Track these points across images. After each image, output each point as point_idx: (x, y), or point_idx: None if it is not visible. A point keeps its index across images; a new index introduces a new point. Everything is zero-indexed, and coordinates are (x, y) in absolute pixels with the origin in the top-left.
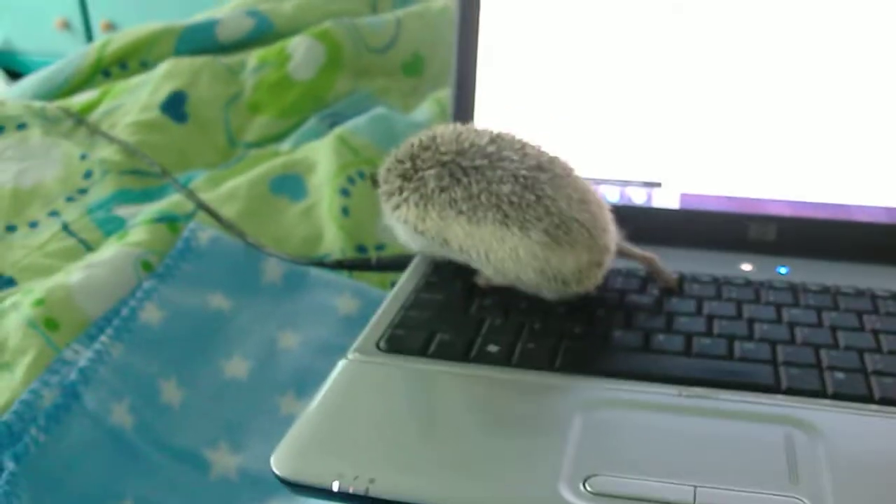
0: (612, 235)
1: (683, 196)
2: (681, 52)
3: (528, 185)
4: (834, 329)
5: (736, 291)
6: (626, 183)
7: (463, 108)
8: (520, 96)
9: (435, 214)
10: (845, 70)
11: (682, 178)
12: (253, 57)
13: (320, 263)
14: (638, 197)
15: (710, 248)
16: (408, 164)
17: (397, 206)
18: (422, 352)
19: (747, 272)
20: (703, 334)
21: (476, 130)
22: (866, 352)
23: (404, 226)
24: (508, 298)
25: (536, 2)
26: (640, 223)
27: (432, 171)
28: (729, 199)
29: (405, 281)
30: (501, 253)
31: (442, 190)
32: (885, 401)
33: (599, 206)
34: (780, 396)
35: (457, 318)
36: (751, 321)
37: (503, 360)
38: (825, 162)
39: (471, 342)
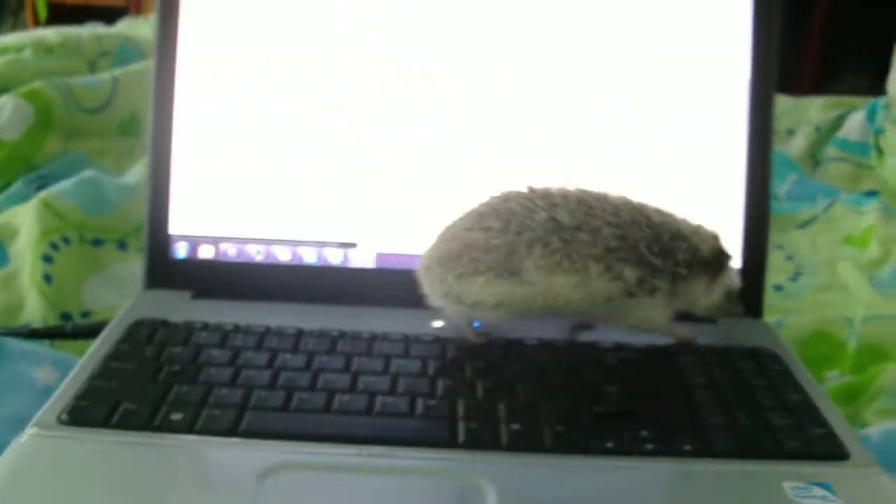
0: None
1: (379, 255)
2: (373, 116)
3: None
4: (515, 381)
5: (423, 349)
6: (322, 244)
7: (159, 175)
8: (215, 161)
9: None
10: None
11: (377, 238)
12: None
13: (13, 333)
14: (334, 258)
15: (406, 306)
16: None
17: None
18: (104, 423)
19: (438, 328)
20: (387, 393)
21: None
22: (543, 402)
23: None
24: (200, 364)
25: (228, 68)
26: (338, 283)
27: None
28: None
29: (95, 349)
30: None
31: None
32: (557, 449)
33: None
34: (457, 451)
35: (144, 386)
36: (434, 378)
37: (187, 427)
38: None
39: (155, 410)
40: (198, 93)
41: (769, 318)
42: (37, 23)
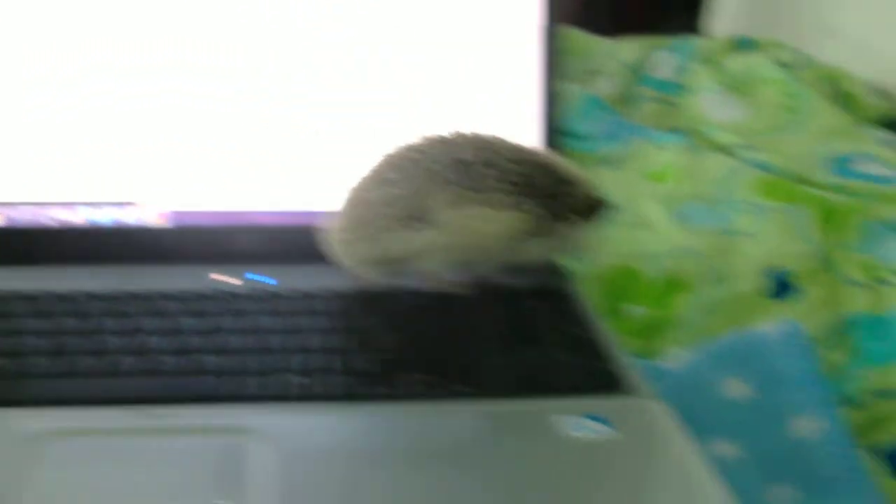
0: None
1: (173, 213)
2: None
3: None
4: (303, 333)
5: (215, 305)
6: (116, 204)
7: None
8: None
9: None
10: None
11: (169, 195)
12: None
13: None
14: (127, 217)
15: (203, 264)
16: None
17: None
18: None
19: (233, 285)
20: (173, 352)
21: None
22: (329, 352)
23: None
24: None
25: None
26: (132, 242)
27: None
28: (217, 213)
29: None
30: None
31: None
32: (344, 397)
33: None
34: (239, 406)
35: None
36: (224, 333)
37: None
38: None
39: None
40: None
41: None
42: None
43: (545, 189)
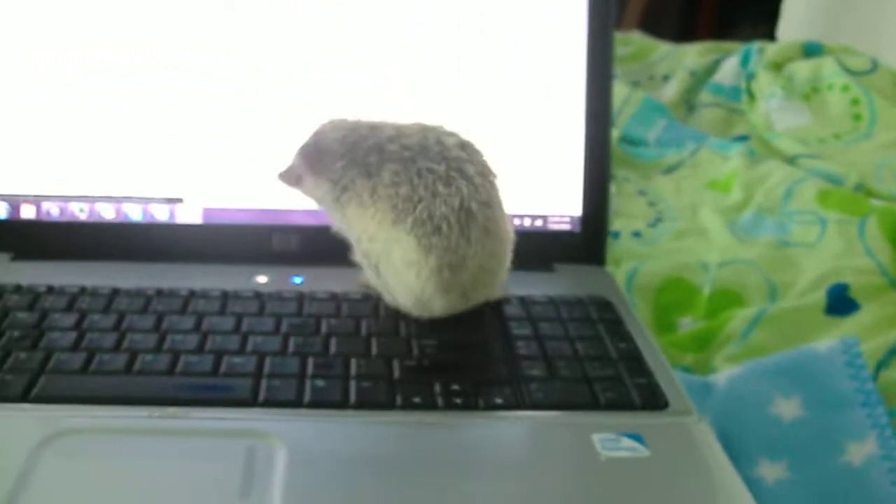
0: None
1: (206, 211)
2: (193, 72)
3: (462, 222)
4: (328, 336)
5: (240, 305)
6: (148, 200)
7: None
8: (34, 118)
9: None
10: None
11: (204, 194)
12: None
13: None
14: (161, 214)
15: (235, 262)
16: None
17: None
18: None
19: (261, 284)
20: (194, 351)
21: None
22: (353, 357)
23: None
24: (2, 329)
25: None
26: (165, 240)
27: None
28: (251, 211)
29: None
30: (398, 263)
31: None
32: (361, 405)
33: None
34: (256, 410)
35: None
36: (246, 334)
37: None
38: None
39: None
40: (9, 48)
41: (626, 265)
42: None
43: None
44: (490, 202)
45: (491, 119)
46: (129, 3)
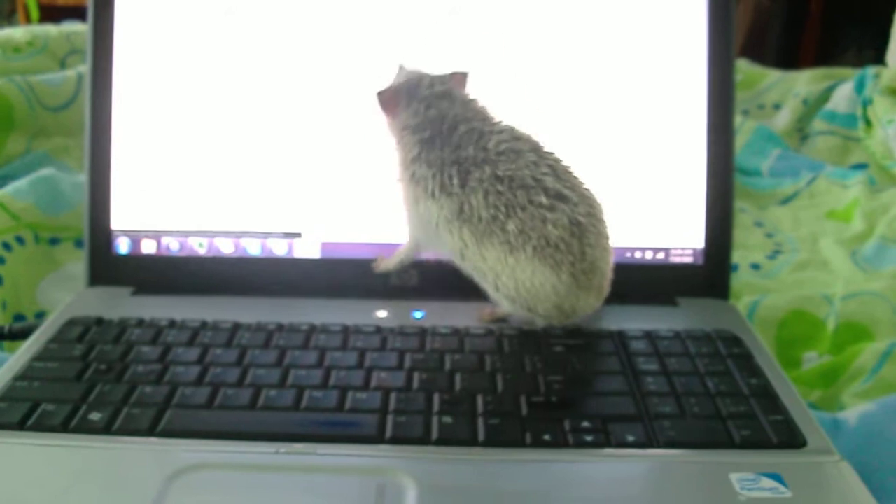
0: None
1: (324, 245)
2: (315, 107)
3: (576, 234)
4: (452, 372)
5: (362, 340)
6: (266, 235)
7: (99, 170)
8: (156, 155)
9: (468, 232)
10: None
11: (322, 228)
12: None
13: None
14: (279, 248)
15: (354, 297)
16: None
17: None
18: (20, 425)
19: (381, 319)
20: (318, 387)
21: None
22: (478, 393)
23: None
24: (128, 363)
25: (165, 67)
26: (283, 274)
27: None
28: (369, 245)
29: (25, 349)
30: (527, 283)
31: (493, 219)
32: (490, 442)
33: (611, 254)
34: (383, 447)
35: (66, 386)
36: (370, 369)
37: (104, 427)
38: None
39: (75, 411)
40: (135, 88)
41: (746, 298)
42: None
43: None
44: (590, 211)
45: (613, 152)
46: (252, 41)
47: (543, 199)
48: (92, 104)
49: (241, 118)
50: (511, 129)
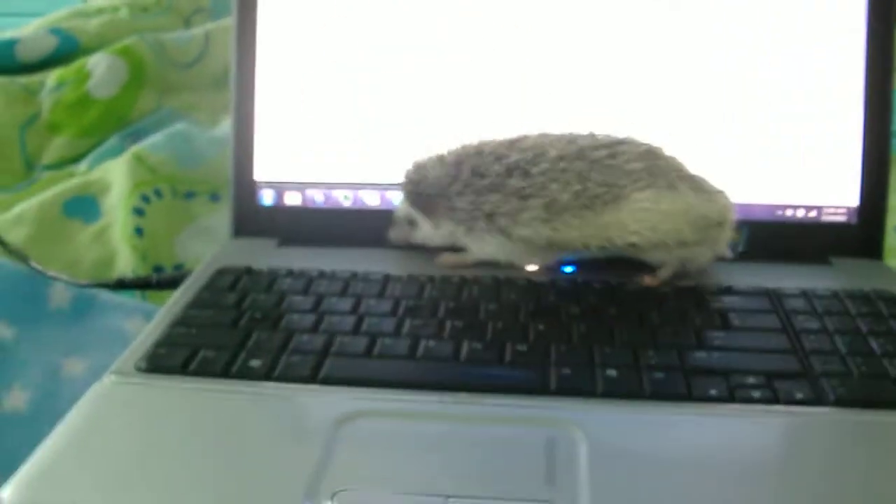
0: None
1: None
2: (459, 60)
3: (649, 168)
4: (612, 326)
5: (515, 292)
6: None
7: (244, 122)
8: (300, 106)
9: (569, 217)
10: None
11: None
12: (52, 76)
13: (102, 285)
14: None
15: None
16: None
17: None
18: (182, 370)
19: (531, 273)
20: (476, 339)
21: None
22: (640, 347)
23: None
24: (282, 311)
25: (310, 19)
26: None
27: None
28: None
29: (178, 297)
30: (655, 218)
31: (577, 195)
32: (655, 395)
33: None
34: (548, 398)
35: (223, 333)
36: (526, 323)
37: (265, 374)
38: None
39: (234, 357)
40: (280, 38)
41: (892, 260)
42: None
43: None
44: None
45: (768, 107)
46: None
47: (601, 153)
48: (237, 56)
49: (386, 68)
50: (511, 140)
